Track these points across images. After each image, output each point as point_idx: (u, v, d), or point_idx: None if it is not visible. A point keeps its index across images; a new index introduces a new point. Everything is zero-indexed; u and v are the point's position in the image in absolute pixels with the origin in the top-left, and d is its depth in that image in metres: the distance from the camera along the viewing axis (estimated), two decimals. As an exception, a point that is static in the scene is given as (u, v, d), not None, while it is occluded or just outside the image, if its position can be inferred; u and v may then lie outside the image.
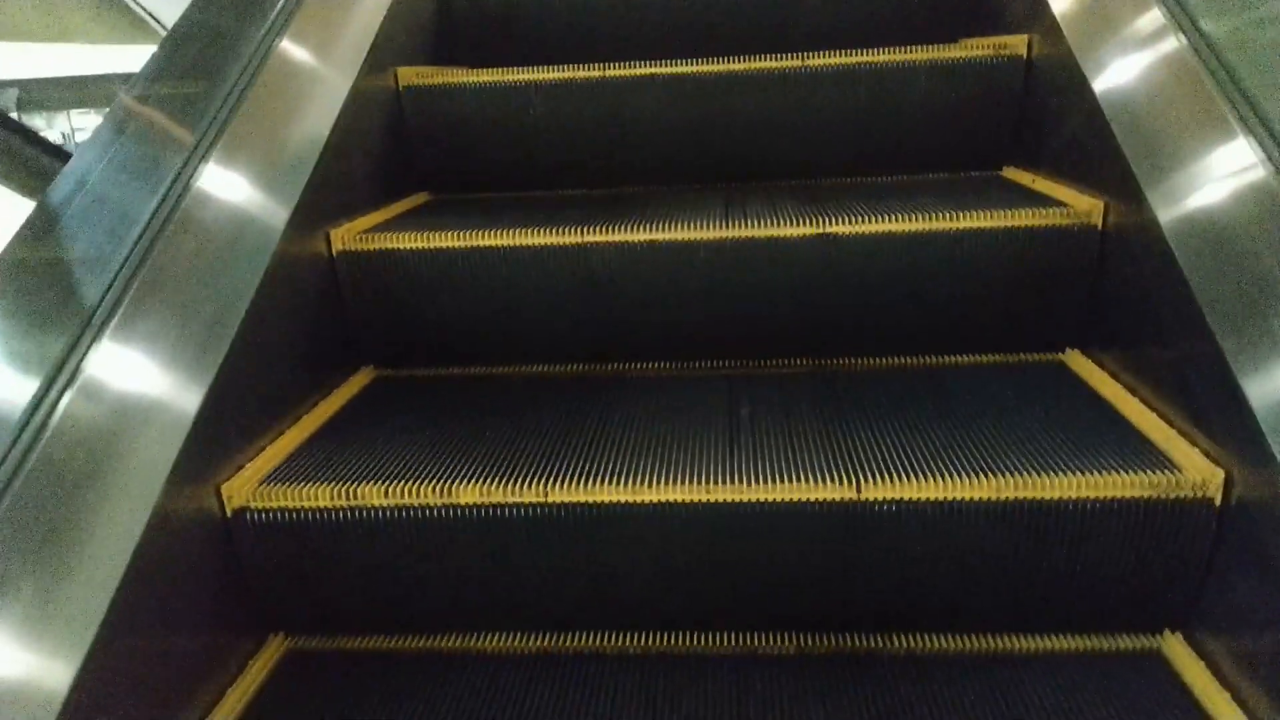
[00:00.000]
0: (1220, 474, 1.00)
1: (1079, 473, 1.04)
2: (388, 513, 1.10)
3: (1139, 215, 1.20)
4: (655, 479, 1.09)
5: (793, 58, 1.74)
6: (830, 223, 1.39)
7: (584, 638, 1.16)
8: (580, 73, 1.77)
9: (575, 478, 1.10)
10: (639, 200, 1.68)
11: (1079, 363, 1.40)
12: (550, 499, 1.08)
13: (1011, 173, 1.75)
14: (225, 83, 1.35)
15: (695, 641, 1.15)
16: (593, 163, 1.87)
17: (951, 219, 1.37)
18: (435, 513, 1.09)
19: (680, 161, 1.85)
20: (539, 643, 1.16)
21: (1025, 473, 1.05)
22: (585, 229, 1.42)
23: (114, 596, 0.86)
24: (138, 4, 4.29)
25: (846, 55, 1.73)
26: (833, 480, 1.06)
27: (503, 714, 1.04)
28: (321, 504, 1.10)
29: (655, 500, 1.07)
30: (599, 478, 1.10)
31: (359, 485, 1.11)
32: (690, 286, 1.45)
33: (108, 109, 1.31)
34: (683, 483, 1.08)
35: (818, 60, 1.73)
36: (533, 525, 1.09)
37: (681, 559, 1.12)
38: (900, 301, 1.44)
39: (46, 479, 0.88)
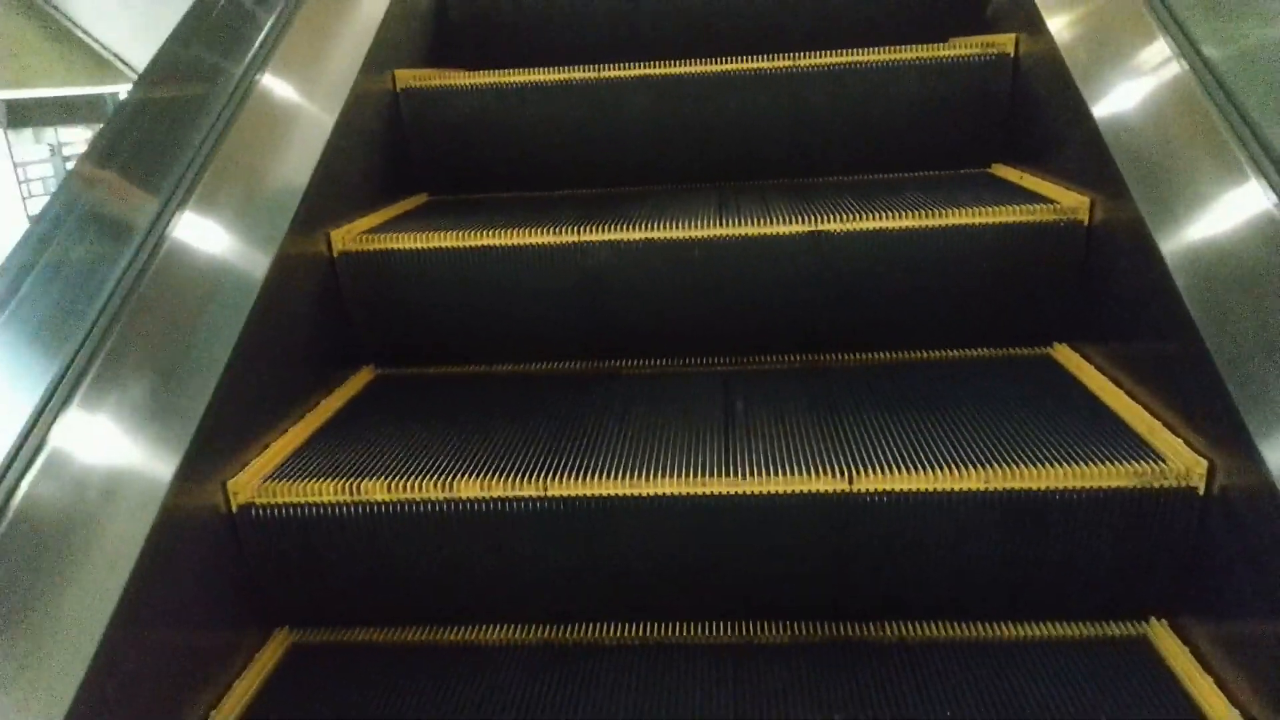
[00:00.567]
0: (1204, 464, 1.02)
1: (1067, 463, 1.07)
2: (390, 507, 1.12)
3: (1125, 211, 1.23)
4: (653, 473, 1.11)
5: (785, 58, 1.76)
6: (822, 220, 1.42)
7: (584, 629, 1.19)
8: (576, 74, 1.79)
9: (574, 472, 1.12)
10: (634, 199, 1.71)
11: (1066, 356, 1.43)
12: (550, 493, 1.10)
13: (1000, 170, 1.78)
14: (227, 87, 1.37)
15: (692, 632, 1.17)
16: (588, 163, 1.89)
17: (941, 216, 1.40)
18: (437, 507, 1.12)
19: (674, 161, 1.88)
20: (540, 634, 1.18)
21: (1014, 464, 1.07)
22: (582, 228, 1.44)
23: (123, 591, 0.87)
24: (104, 47, 4.31)
25: (837, 55, 1.75)
26: (826, 472, 1.09)
27: (505, 704, 1.06)
28: (325, 499, 1.12)
29: (653, 494, 1.09)
30: (597, 472, 1.12)
31: (362, 481, 1.13)
32: (685, 284, 1.47)
33: (96, 124, 1.33)
34: (679, 476, 1.10)
35: (809, 60, 1.75)
36: (533, 519, 1.11)
37: (679, 551, 1.14)
38: (891, 297, 1.47)
39: (56, 482, 0.90)
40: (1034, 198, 1.47)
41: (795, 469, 1.10)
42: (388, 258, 1.47)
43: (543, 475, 1.12)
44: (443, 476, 1.13)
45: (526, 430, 1.27)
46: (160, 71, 1.43)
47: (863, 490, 1.07)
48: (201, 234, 1.20)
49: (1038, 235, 1.40)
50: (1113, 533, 1.07)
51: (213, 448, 1.08)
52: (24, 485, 0.88)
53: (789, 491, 1.08)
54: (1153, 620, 1.12)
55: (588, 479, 1.11)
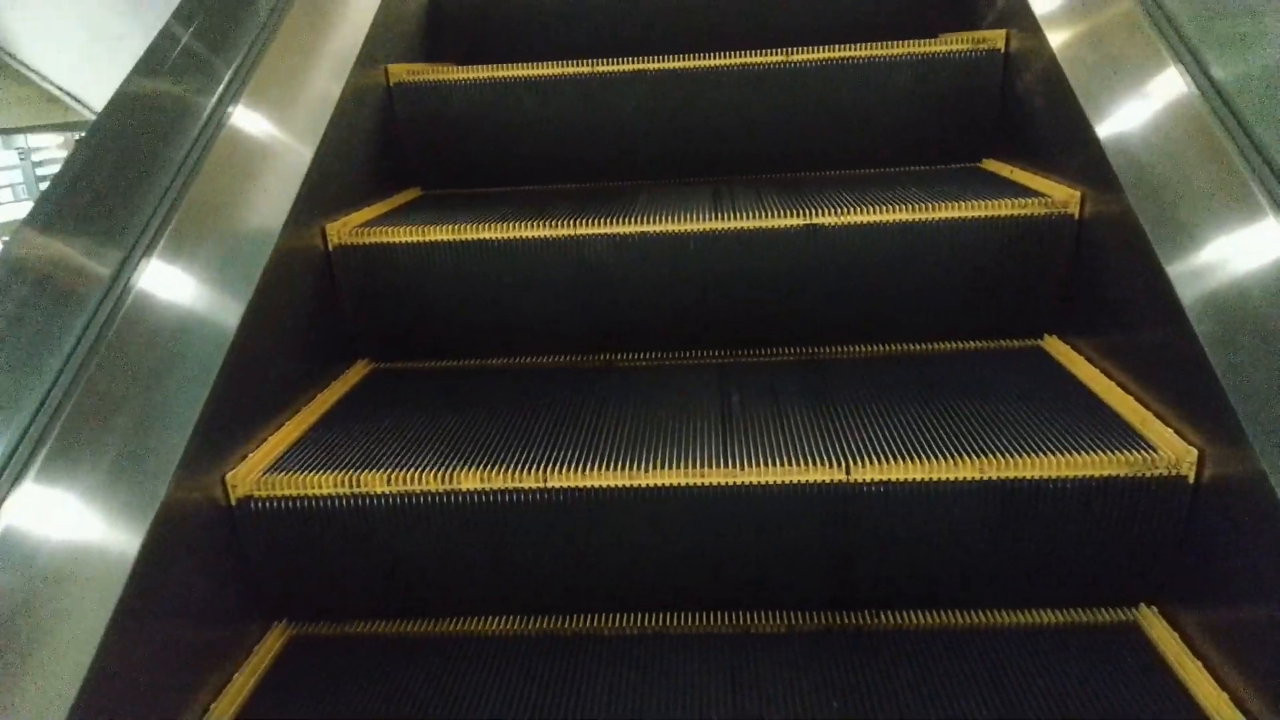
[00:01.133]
0: (1194, 453, 1.04)
1: (1059, 453, 1.08)
2: (390, 500, 1.12)
3: (1116, 204, 1.24)
4: (651, 464, 1.12)
5: (777, 53, 1.77)
6: (815, 214, 1.43)
7: (583, 620, 1.19)
8: (569, 69, 1.79)
9: (574, 464, 1.13)
10: (629, 194, 1.71)
11: (1057, 348, 1.45)
12: (550, 484, 1.11)
13: (991, 164, 1.79)
14: (222, 81, 1.37)
15: (690, 621, 1.18)
16: (582, 158, 1.89)
17: (933, 210, 1.41)
18: (437, 499, 1.12)
19: (668, 156, 1.88)
20: (539, 625, 1.19)
21: (1008, 454, 1.09)
22: (577, 221, 1.45)
23: (124, 586, 0.88)
24: (61, 90, 4.24)
25: (829, 50, 1.76)
26: (823, 463, 1.10)
27: (505, 695, 1.07)
28: (324, 492, 1.12)
29: (652, 484, 1.10)
30: (597, 463, 1.13)
31: (361, 473, 1.13)
32: (681, 277, 1.48)
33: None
34: (678, 467, 1.11)
35: (801, 55, 1.76)
36: (533, 511, 1.12)
37: (677, 542, 1.15)
38: (884, 290, 1.48)
39: (55, 477, 0.91)
40: (1025, 192, 1.48)
41: (792, 460, 1.11)
42: (383, 251, 1.47)
43: (543, 467, 1.12)
44: (442, 468, 1.13)
45: (525, 423, 1.27)
46: (157, 60, 1.42)
47: (859, 480, 1.09)
48: (197, 229, 1.19)
49: (1029, 228, 1.41)
50: (1104, 521, 1.09)
51: (211, 441, 1.08)
52: (28, 476, 0.88)
53: (786, 482, 1.09)
54: (1143, 606, 1.14)
55: (587, 470, 1.12)
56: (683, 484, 1.10)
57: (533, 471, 1.12)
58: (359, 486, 1.12)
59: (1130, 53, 1.34)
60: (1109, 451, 1.07)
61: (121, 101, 1.32)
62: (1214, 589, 1.02)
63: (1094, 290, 1.35)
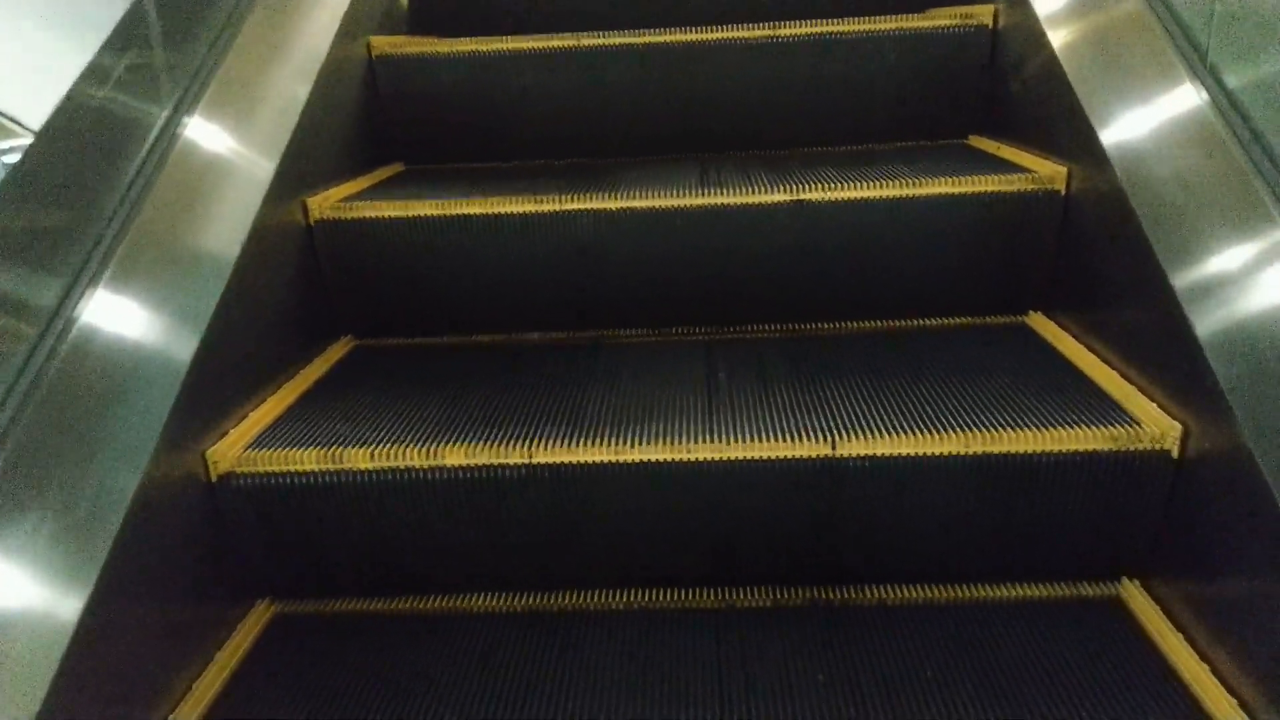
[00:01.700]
0: (1178, 427, 1.05)
1: (1043, 428, 1.08)
2: (374, 476, 1.11)
3: (1103, 179, 1.24)
4: (637, 439, 1.11)
5: (764, 27, 1.75)
6: (803, 190, 1.42)
7: (569, 596, 1.19)
8: (555, 42, 1.77)
9: (559, 439, 1.12)
10: (616, 169, 1.70)
11: (1042, 324, 1.45)
12: (535, 460, 1.10)
13: (978, 141, 1.79)
14: (200, 49, 1.34)
15: (676, 597, 1.18)
16: (567, 133, 1.87)
17: (920, 186, 1.41)
18: (421, 475, 1.11)
19: (655, 131, 1.87)
20: (525, 602, 1.19)
21: (992, 428, 1.09)
22: (564, 197, 1.43)
23: (104, 564, 0.86)
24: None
25: (816, 25, 1.75)
26: (809, 438, 1.10)
27: (490, 672, 1.07)
28: (307, 468, 1.11)
29: (638, 460, 1.10)
30: (582, 439, 1.12)
31: (344, 449, 1.12)
32: (668, 253, 1.47)
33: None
34: (664, 442, 1.11)
35: (788, 30, 1.75)
36: (518, 486, 1.11)
37: (663, 518, 1.14)
38: (870, 266, 1.48)
39: (39, 446, 0.89)
40: (1012, 168, 1.48)
41: (779, 435, 1.11)
42: (366, 225, 1.45)
43: (528, 442, 1.12)
44: (427, 444, 1.12)
45: (510, 398, 1.26)
46: (129, 34, 1.39)
47: (845, 455, 1.08)
48: (174, 204, 1.17)
49: (1015, 205, 1.41)
50: (1089, 495, 1.09)
51: (191, 418, 1.06)
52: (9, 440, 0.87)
53: (773, 457, 1.09)
54: (1126, 580, 1.15)
55: (573, 446, 1.11)
56: (669, 459, 1.10)
57: (518, 447, 1.11)
58: (342, 462, 1.11)
59: (1119, 28, 1.34)
60: (1093, 426, 1.08)
61: (97, 71, 1.29)
62: (1196, 563, 1.03)
63: (1080, 267, 1.35)
